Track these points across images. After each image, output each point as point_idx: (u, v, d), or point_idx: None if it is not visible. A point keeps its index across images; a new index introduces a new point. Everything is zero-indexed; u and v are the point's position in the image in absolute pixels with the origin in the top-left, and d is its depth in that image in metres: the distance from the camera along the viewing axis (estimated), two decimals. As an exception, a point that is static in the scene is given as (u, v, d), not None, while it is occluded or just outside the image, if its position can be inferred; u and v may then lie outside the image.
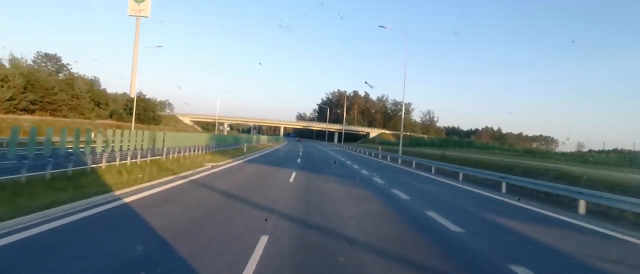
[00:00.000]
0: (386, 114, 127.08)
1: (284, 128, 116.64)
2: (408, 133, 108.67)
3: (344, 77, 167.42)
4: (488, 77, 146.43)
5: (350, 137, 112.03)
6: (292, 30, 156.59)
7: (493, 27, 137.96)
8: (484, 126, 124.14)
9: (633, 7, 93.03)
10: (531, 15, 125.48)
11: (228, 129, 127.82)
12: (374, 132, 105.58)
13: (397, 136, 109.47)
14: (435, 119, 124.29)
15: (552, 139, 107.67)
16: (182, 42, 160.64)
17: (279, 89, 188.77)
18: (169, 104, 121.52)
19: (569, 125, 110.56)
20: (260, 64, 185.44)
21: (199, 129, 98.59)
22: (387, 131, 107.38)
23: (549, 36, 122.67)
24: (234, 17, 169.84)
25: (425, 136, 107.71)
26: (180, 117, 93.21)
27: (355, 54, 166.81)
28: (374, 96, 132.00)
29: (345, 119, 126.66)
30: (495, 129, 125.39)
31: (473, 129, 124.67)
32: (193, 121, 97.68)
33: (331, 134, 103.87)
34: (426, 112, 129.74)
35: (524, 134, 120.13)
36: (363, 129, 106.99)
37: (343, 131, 78.86)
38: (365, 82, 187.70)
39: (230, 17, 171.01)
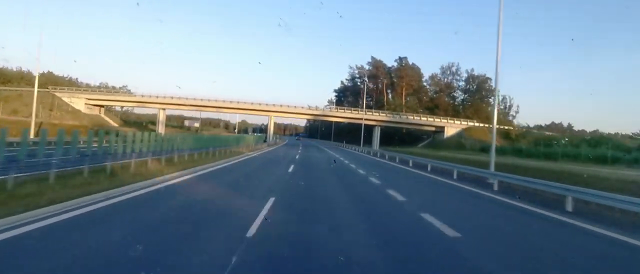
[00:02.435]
0: (455, 99, 77.38)
1: (280, 122, 66.37)
2: (522, 127, 58.24)
3: (345, 75, 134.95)
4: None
5: (400, 136, 62.82)
6: (292, 29, 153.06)
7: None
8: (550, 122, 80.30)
9: (633, 6, 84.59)
10: (531, 15, 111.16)
11: (195, 126, 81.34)
12: (451, 128, 55.32)
13: (507, 134, 58.26)
14: (514, 109, 71.81)
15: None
16: (182, 42, 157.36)
17: (280, 89, 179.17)
18: (128, 89, 75.36)
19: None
20: (259, 63, 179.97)
21: (115, 123, 52.24)
22: (478, 124, 56.99)
23: (550, 35, 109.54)
24: (233, 17, 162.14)
25: (553, 133, 56.71)
26: (67, 98, 46.39)
27: (356, 53, 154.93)
28: (426, 71, 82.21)
29: (387, 104, 76.97)
30: (565, 124, 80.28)
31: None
32: (92, 104, 49.82)
33: (369, 131, 54.76)
34: (501, 99, 78.22)
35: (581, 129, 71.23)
36: (431, 121, 56.81)
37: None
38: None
39: (229, 17, 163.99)
